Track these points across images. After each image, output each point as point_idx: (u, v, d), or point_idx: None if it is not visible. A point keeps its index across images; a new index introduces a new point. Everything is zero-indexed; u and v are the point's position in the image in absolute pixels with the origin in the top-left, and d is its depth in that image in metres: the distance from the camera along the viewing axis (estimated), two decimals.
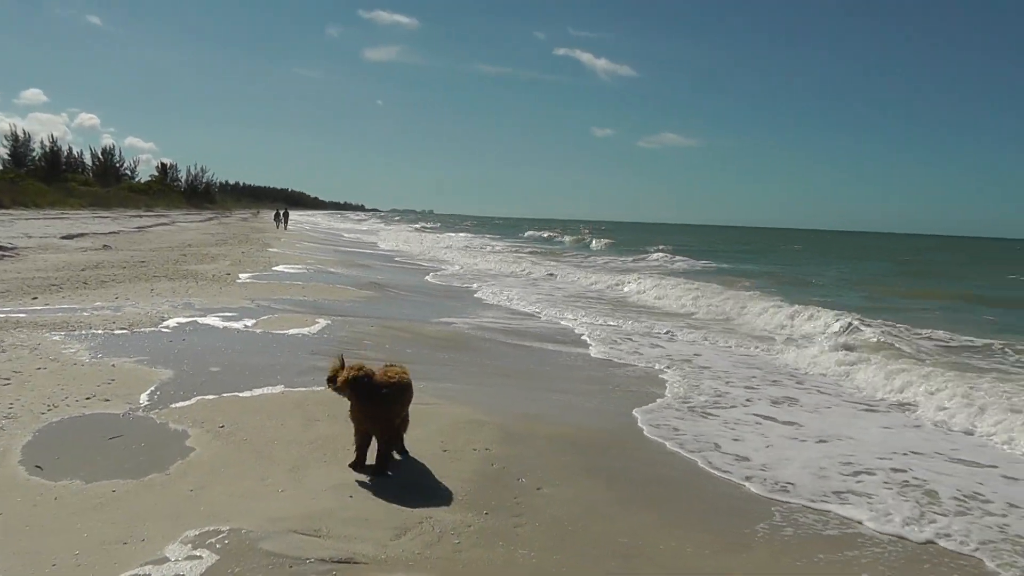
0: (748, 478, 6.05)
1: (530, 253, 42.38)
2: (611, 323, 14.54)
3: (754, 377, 10.17)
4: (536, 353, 11.10)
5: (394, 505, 4.86)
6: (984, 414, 7.97)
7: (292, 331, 10.90)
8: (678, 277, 26.54)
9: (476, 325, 13.31)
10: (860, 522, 5.26)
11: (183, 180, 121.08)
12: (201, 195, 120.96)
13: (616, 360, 10.83)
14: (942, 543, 4.98)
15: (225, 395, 7.21)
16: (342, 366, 5.37)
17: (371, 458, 5.43)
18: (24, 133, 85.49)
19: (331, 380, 5.34)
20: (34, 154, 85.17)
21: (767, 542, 4.88)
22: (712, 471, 6.20)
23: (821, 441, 7.25)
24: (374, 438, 5.41)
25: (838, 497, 5.73)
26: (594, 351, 11.45)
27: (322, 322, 11.75)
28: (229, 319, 11.51)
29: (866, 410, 8.76)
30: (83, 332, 9.71)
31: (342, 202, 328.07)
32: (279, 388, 7.61)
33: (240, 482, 5.08)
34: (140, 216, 63.44)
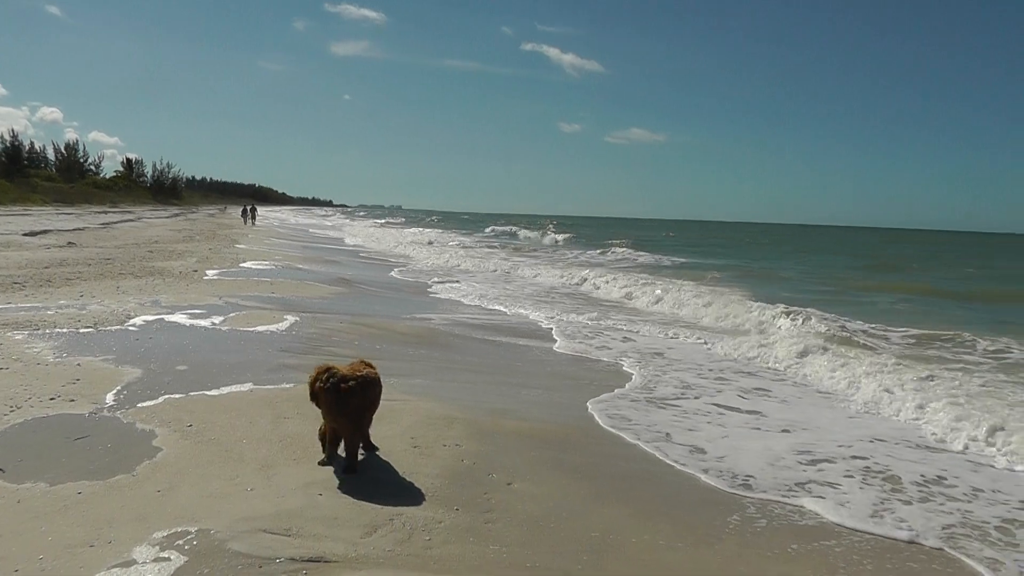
0: (713, 470, 6.10)
1: (493, 248, 42.22)
2: (577, 318, 14.55)
3: (715, 370, 10.24)
4: (505, 348, 11.09)
5: (364, 503, 4.82)
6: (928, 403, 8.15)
7: (261, 328, 10.78)
8: (641, 272, 26.72)
9: (445, 321, 13.27)
10: (823, 513, 5.32)
11: (149, 176, 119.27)
12: (168, 191, 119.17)
13: (584, 355, 10.87)
14: (906, 533, 5.05)
15: (193, 394, 7.10)
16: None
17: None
18: None
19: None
20: None
21: (738, 534, 4.91)
22: (680, 465, 6.23)
23: (784, 431, 7.35)
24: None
25: (803, 488, 5.79)
26: (563, 346, 11.47)
27: (291, 319, 11.63)
28: (197, 316, 11.36)
29: (827, 399, 8.87)
30: (47, 331, 9.52)
31: (310, 197, 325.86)
32: (248, 386, 7.51)
33: (208, 482, 5.01)
34: (105, 212, 62.42)
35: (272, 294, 14.83)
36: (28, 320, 10.10)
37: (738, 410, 8.18)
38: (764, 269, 32.11)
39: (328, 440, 5.41)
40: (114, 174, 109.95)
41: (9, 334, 9.14)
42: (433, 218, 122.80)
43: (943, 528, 5.17)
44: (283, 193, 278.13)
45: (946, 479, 6.18)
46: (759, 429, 7.46)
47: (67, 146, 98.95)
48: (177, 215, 71.72)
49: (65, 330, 9.64)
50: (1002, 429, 7.06)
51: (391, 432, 6.16)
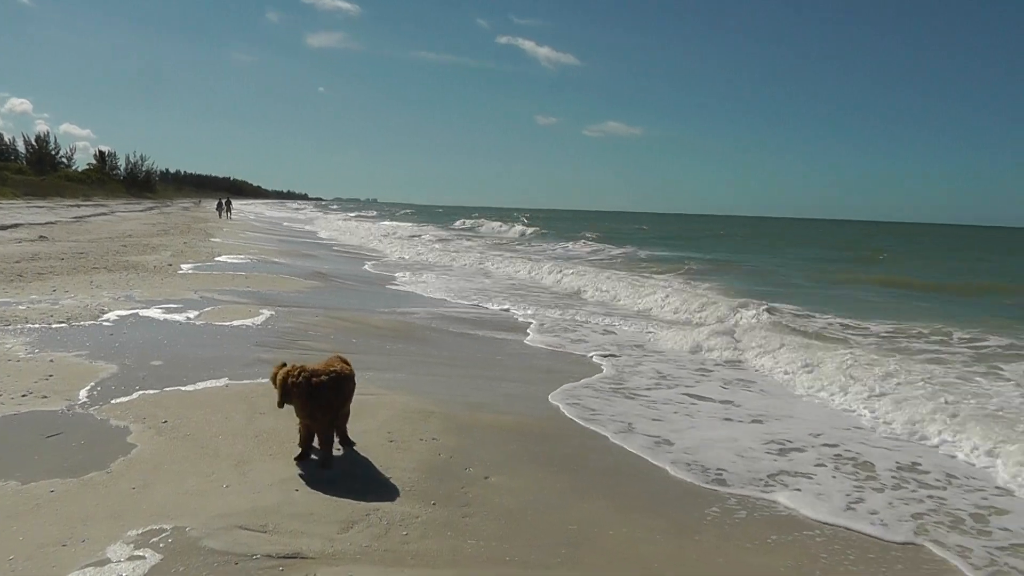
0: (691, 464, 6.11)
1: (460, 242, 41.83)
2: (545, 312, 14.47)
3: (685, 363, 10.29)
4: (481, 342, 11.06)
5: (341, 498, 4.78)
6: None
7: (236, 322, 10.67)
8: (606, 266, 26.80)
9: (420, 314, 13.21)
10: (801, 504, 5.36)
11: (122, 169, 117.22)
12: (141, 184, 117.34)
13: (559, 348, 10.87)
14: (879, 528, 5.07)
15: (168, 389, 7.01)
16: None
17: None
18: None
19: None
20: None
21: (716, 526, 4.92)
22: (659, 458, 6.23)
23: (755, 421, 7.40)
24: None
25: (779, 481, 5.82)
26: (538, 340, 11.45)
27: (266, 313, 11.52)
28: (171, 311, 11.22)
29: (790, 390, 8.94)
30: (18, 326, 9.36)
31: (285, 191, 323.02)
32: (223, 381, 7.44)
33: (184, 479, 4.95)
34: (78, 206, 61.41)
35: (247, 288, 14.69)
36: None
37: (711, 400, 8.22)
38: (731, 261, 32.16)
39: (303, 436, 5.36)
40: (86, 167, 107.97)
41: None
42: (406, 211, 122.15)
43: (913, 516, 5.22)
44: (258, 186, 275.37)
45: (909, 469, 6.26)
46: (731, 420, 7.50)
47: (38, 138, 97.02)
48: (151, 208, 70.80)
49: (37, 325, 9.48)
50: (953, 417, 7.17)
51: (367, 427, 6.12)
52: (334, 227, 53.38)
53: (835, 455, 6.52)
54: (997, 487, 5.87)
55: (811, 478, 5.90)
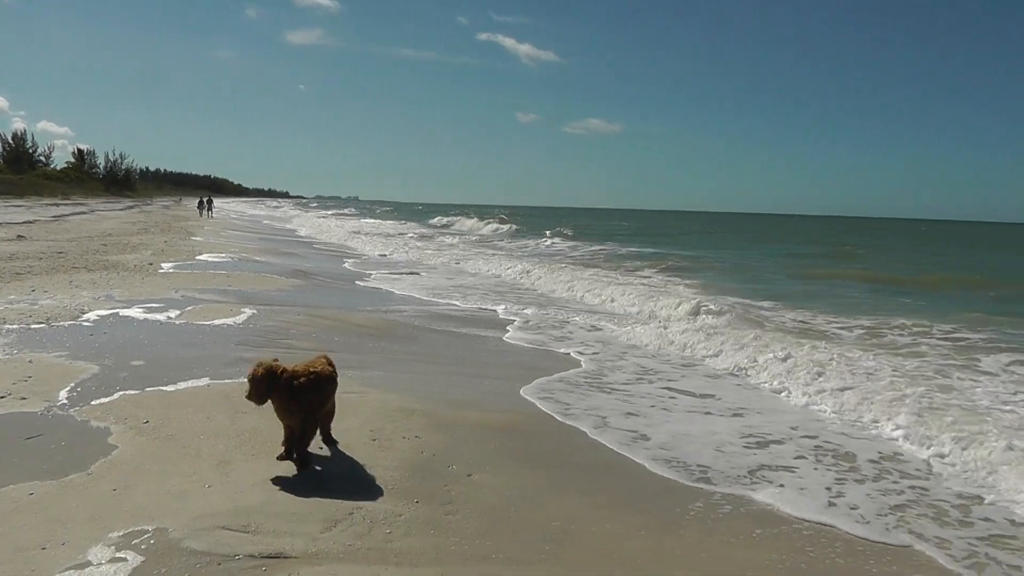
0: (674, 460, 6.12)
1: (446, 240, 41.64)
2: (529, 310, 14.41)
3: (666, 359, 10.32)
4: (462, 339, 11.03)
5: (324, 497, 4.75)
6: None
7: (217, 322, 10.58)
8: (594, 264, 26.81)
9: (401, 312, 13.17)
10: (784, 499, 5.38)
11: (101, 167, 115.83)
12: (121, 183, 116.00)
13: (540, 345, 10.85)
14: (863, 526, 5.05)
15: (149, 389, 6.94)
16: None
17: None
18: None
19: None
20: None
21: (700, 521, 4.93)
22: (639, 454, 6.24)
23: (735, 415, 7.44)
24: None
25: (760, 476, 5.84)
26: (519, 337, 11.44)
27: (248, 312, 11.43)
28: (152, 310, 11.11)
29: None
30: None
31: (266, 189, 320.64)
32: (205, 381, 7.37)
33: (165, 479, 4.90)
34: (56, 205, 60.68)
35: (229, 287, 14.57)
36: None
37: (691, 394, 8.25)
38: (711, 258, 32.14)
39: (285, 436, 5.31)
40: (65, 165, 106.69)
41: None
42: (385, 209, 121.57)
43: (893, 508, 5.26)
44: (239, 185, 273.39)
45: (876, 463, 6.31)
46: (710, 413, 7.53)
47: (14, 136, 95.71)
48: (131, 207, 70.01)
49: (15, 326, 9.35)
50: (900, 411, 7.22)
51: (350, 425, 6.08)
52: (313, 225, 52.96)
53: (815, 447, 6.58)
54: (968, 479, 5.92)
55: (793, 471, 5.93)
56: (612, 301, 15.92)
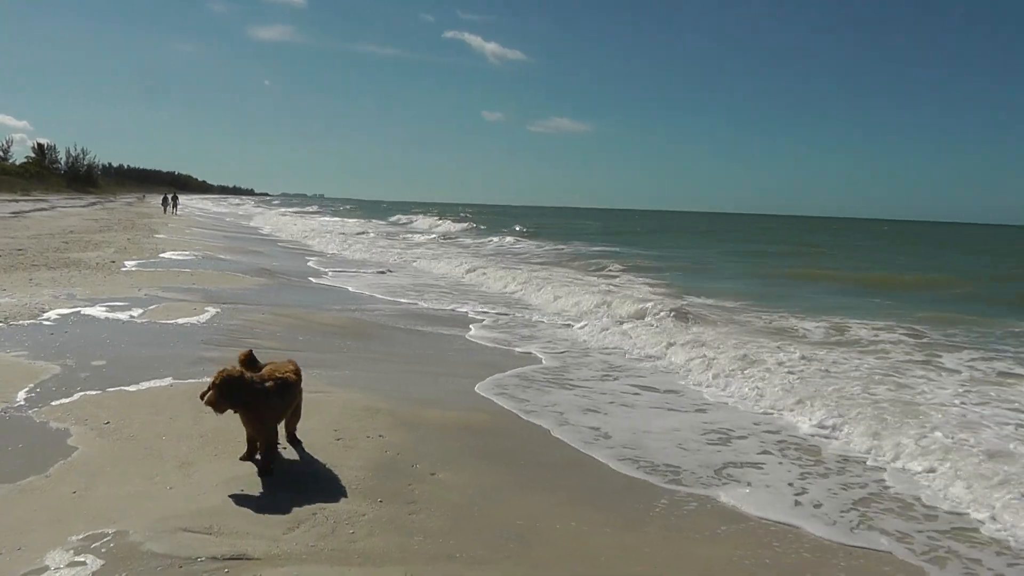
0: (638, 459, 6.15)
1: (400, 237, 41.21)
2: (492, 308, 14.35)
3: (626, 357, 10.37)
4: (426, 338, 10.99)
5: (287, 498, 4.69)
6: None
7: (181, 320, 10.42)
8: (559, 264, 26.81)
9: (365, 311, 13.10)
10: (748, 496, 5.41)
11: (63, 162, 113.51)
12: (83, 179, 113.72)
13: (502, 344, 10.85)
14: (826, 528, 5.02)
15: (111, 390, 6.80)
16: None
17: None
18: None
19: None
20: None
21: (663, 518, 4.94)
22: (600, 452, 6.25)
23: (699, 411, 7.51)
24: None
25: (727, 475, 5.86)
26: (482, 335, 11.43)
27: (212, 310, 11.28)
28: (115, 309, 10.91)
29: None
30: None
31: (231, 186, 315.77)
32: (168, 380, 7.25)
33: (127, 481, 4.80)
34: (15, 201, 59.33)
35: (193, 285, 14.37)
36: None
37: (655, 390, 8.30)
38: (666, 258, 32.11)
39: (248, 436, 5.24)
40: (24, 160, 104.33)
41: None
42: (347, 207, 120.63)
43: (856, 503, 5.34)
44: (203, 181, 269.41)
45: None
46: (675, 410, 7.58)
47: None
48: (94, 204, 68.75)
49: None
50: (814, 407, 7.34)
51: (314, 425, 6.02)
52: (273, 223, 52.18)
53: (777, 441, 6.67)
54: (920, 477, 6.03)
55: (759, 468, 5.99)
56: (565, 300, 15.57)
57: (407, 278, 19.77)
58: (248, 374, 5.02)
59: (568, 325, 12.61)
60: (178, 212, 56.39)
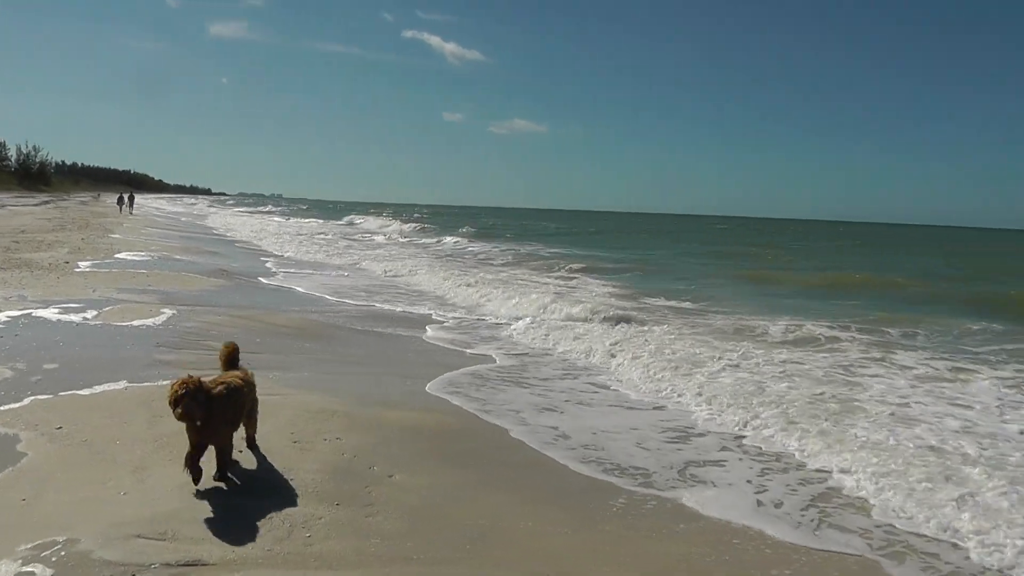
0: (596, 458, 6.18)
1: (351, 238, 40.74)
2: (449, 312, 14.26)
3: (583, 356, 10.43)
4: (383, 339, 10.92)
5: (242, 502, 4.63)
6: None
7: (136, 322, 10.21)
8: (518, 265, 26.79)
9: (322, 312, 12.98)
10: (709, 495, 5.48)
11: (13, 160, 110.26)
12: (35, 177, 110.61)
13: (460, 345, 10.83)
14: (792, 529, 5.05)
15: (63, 394, 6.64)
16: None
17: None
18: None
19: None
20: None
21: (622, 517, 4.97)
22: (559, 451, 6.26)
23: (656, 408, 7.57)
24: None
25: (685, 473, 5.91)
26: (439, 336, 11.39)
27: (168, 312, 11.08)
28: (68, 311, 10.65)
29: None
30: None
31: (188, 185, 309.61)
32: (122, 384, 7.11)
33: (79, 487, 4.70)
34: None
35: (148, 286, 14.09)
36: None
37: (610, 389, 8.35)
38: (624, 260, 31.80)
39: (193, 445, 5.06)
40: None
41: None
42: (302, 207, 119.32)
43: (815, 497, 5.43)
44: (160, 180, 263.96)
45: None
46: (634, 408, 7.65)
47: None
48: (46, 203, 66.89)
49: None
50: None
51: (270, 428, 5.94)
52: (224, 223, 51.21)
53: (735, 437, 6.77)
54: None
55: (720, 466, 6.06)
56: (519, 301, 15.27)
57: (363, 279, 19.58)
58: (205, 381, 4.91)
59: (522, 326, 12.57)
60: (134, 212, 55.22)
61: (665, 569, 4.28)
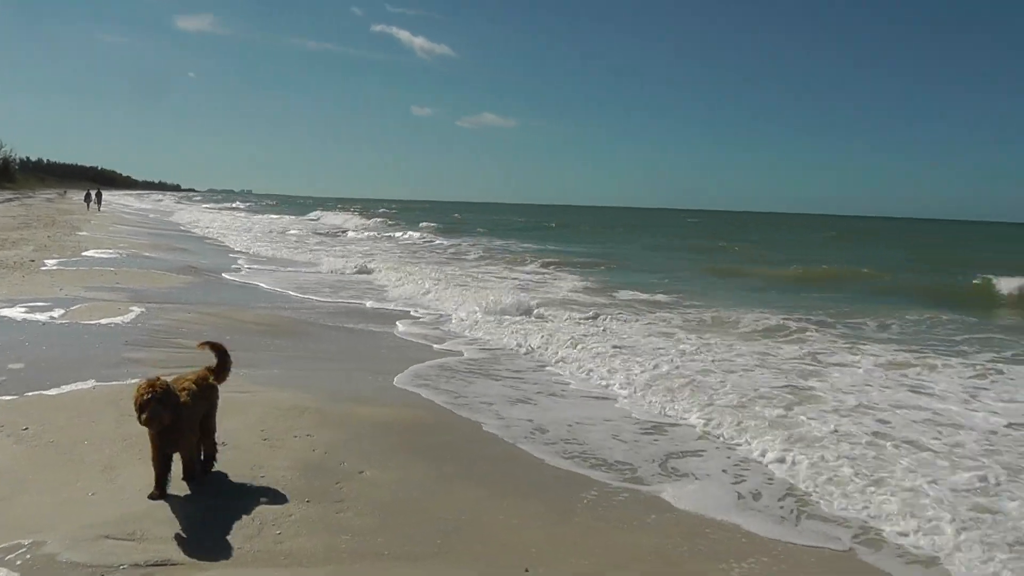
0: (566, 450, 6.20)
1: (317, 235, 40.18)
2: (422, 308, 13.96)
3: (548, 350, 10.44)
4: (355, 335, 10.87)
5: (212, 501, 4.59)
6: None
7: (104, 321, 10.06)
8: (490, 260, 26.71)
9: (294, 309, 12.89)
10: (681, 485, 5.53)
11: None
12: None
13: (435, 340, 10.81)
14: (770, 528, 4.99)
15: (29, 394, 6.53)
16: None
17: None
18: None
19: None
20: None
21: (592, 508, 4.98)
22: (531, 443, 6.27)
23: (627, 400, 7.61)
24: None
25: (663, 464, 5.94)
26: (410, 331, 11.35)
27: (137, 310, 10.92)
28: (34, 310, 10.46)
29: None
30: None
31: (157, 181, 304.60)
32: (90, 383, 6.99)
33: (46, 489, 4.62)
34: None
35: (117, 284, 13.88)
36: None
37: (581, 379, 8.38)
38: (608, 254, 32.08)
39: (159, 460, 4.92)
40: None
41: None
42: (269, 203, 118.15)
43: (788, 491, 5.47)
44: (128, 177, 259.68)
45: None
46: (606, 399, 7.69)
47: None
48: (11, 200, 65.49)
49: None
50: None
51: (239, 425, 5.89)
52: (194, 218, 50.45)
53: (705, 433, 6.78)
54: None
55: (699, 456, 6.10)
56: (487, 295, 14.86)
57: (328, 275, 19.33)
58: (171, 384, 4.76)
59: (492, 321, 12.54)
60: (102, 209, 54.28)
61: (635, 559, 4.30)
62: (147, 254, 21.17)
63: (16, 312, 10.23)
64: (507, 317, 12.50)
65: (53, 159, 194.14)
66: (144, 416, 4.34)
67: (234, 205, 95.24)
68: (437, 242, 36.87)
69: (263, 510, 4.52)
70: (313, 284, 16.84)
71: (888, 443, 6.25)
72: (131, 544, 3.97)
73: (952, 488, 5.31)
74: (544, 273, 22.07)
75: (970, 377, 8.96)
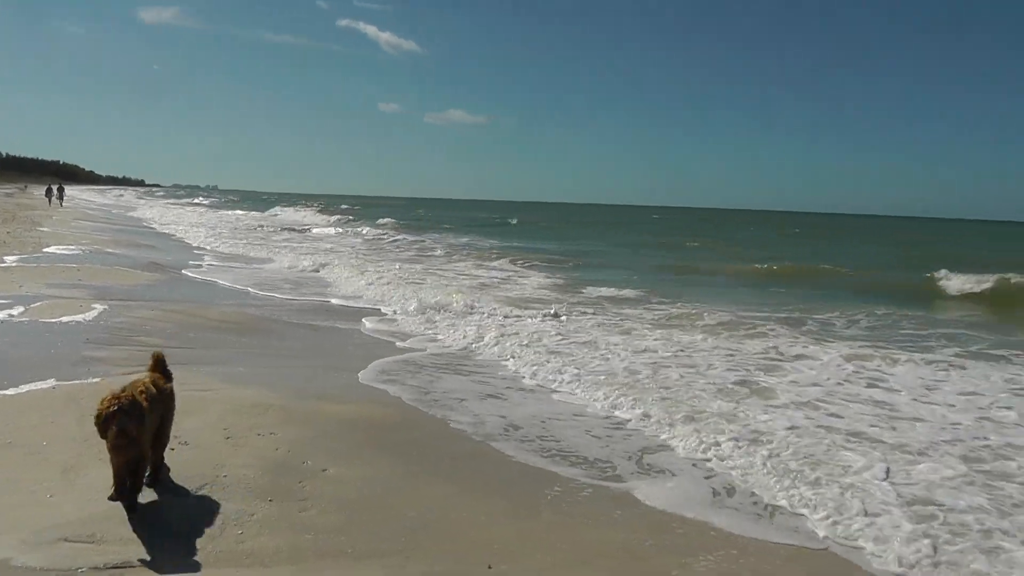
0: (536, 447, 6.20)
1: (276, 231, 39.46)
2: (389, 306, 13.65)
3: (523, 345, 10.44)
4: (320, 332, 10.76)
5: (174, 501, 4.53)
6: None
7: (65, 319, 9.85)
8: (458, 258, 26.59)
9: (257, 306, 12.75)
10: (650, 481, 5.57)
11: None
12: None
13: (400, 337, 10.74)
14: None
15: None
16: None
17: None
18: None
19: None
20: None
21: (557, 504, 5.00)
22: (499, 441, 6.26)
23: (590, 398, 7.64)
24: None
25: (632, 461, 5.95)
26: (377, 329, 11.27)
27: (99, 307, 10.71)
28: None
29: None
30: None
31: (120, 176, 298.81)
32: (50, 382, 6.84)
33: (3, 491, 4.52)
34: None
35: (79, 281, 13.61)
36: None
37: (546, 376, 8.39)
38: (582, 252, 31.89)
39: (120, 470, 4.75)
40: None
41: None
42: (232, 199, 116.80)
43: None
44: (91, 172, 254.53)
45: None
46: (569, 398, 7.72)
47: None
48: None
49: None
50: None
51: (202, 423, 5.81)
52: (155, 214, 49.52)
53: (670, 423, 6.80)
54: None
55: (668, 448, 6.16)
56: (454, 293, 14.91)
57: (287, 272, 19.08)
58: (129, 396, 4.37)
59: (461, 315, 12.53)
60: (64, 204, 53.16)
61: (601, 553, 4.33)
62: (110, 250, 20.78)
63: None
64: (472, 314, 12.47)
65: (13, 153, 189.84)
66: (113, 430, 4.10)
67: (196, 201, 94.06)
68: (405, 238, 36.56)
69: (225, 510, 4.47)
70: (275, 281, 16.66)
71: (839, 436, 6.37)
72: (90, 546, 3.91)
73: (905, 481, 5.42)
74: (511, 271, 22.03)
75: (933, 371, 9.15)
